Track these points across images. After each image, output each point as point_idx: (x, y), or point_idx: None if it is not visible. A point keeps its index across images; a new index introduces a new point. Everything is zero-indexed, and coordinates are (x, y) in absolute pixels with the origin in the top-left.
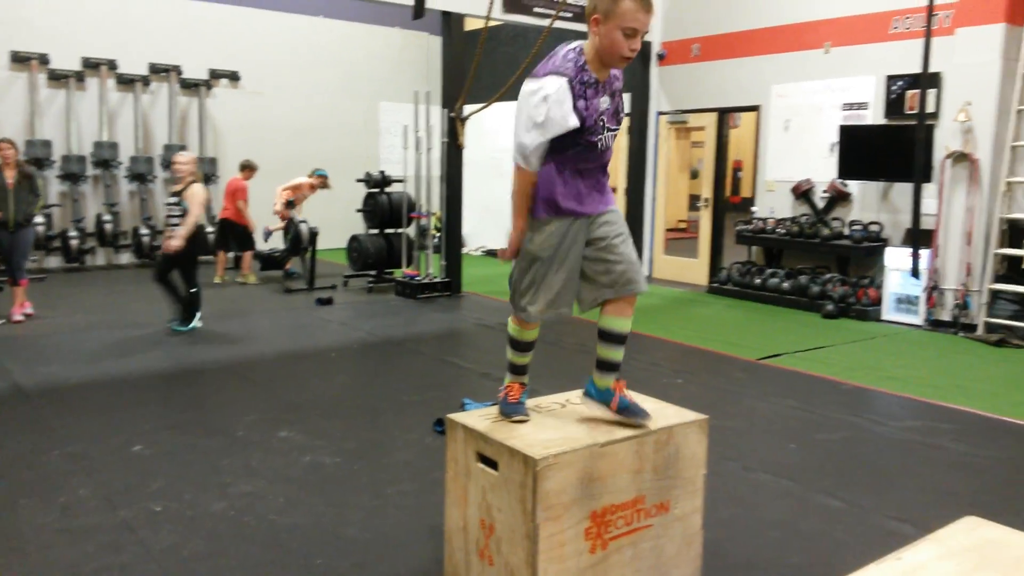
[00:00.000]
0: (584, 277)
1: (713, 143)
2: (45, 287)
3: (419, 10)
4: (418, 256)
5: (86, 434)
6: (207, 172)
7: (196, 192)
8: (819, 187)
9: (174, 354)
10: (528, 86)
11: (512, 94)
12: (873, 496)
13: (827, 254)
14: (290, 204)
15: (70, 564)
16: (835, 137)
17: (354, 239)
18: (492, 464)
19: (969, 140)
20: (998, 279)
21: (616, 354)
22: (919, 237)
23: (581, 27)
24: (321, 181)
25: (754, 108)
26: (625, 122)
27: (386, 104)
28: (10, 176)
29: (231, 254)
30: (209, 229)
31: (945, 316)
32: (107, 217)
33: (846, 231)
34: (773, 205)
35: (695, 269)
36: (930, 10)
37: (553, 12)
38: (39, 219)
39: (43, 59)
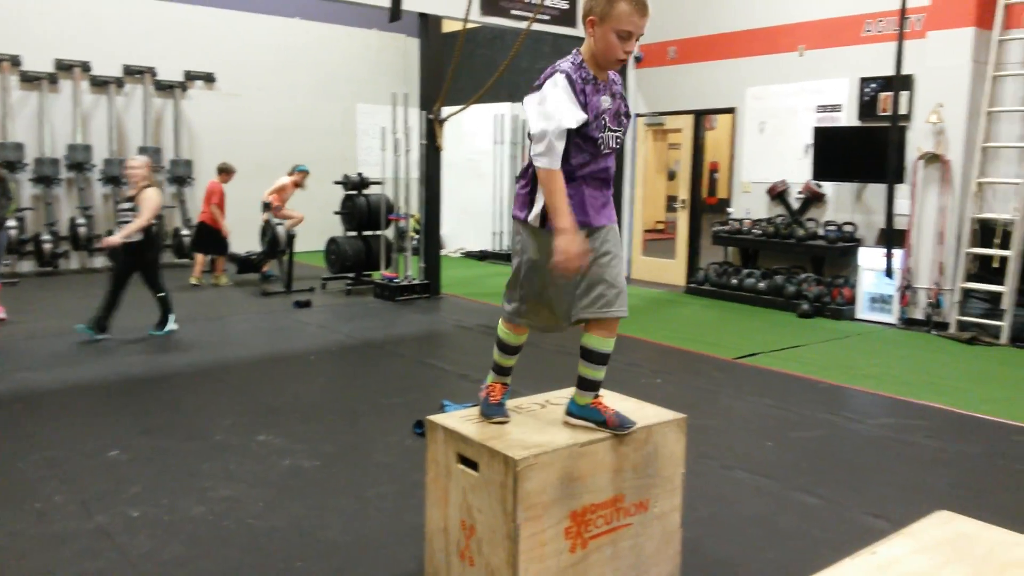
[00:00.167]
0: (567, 289)
1: (690, 145)
2: (18, 291)
3: (396, 12)
4: (397, 258)
5: (62, 440)
6: (182, 175)
7: (150, 196)
8: (794, 188)
9: (150, 359)
10: (530, 98)
11: (490, 96)
12: (849, 492)
13: (802, 254)
14: (266, 207)
15: (46, 570)
16: (809, 139)
17: (332, 241)
18: (472, 465)
19: (941, 141)
20: (970, 278)
21: (597, 373)
22: (892, 237)
23: (559, 29)
24: (303, 176)
25: (730, 110)
26: None
27: (363, 106)
28: None
29: (209, 257)
30: (185, 232)
31: (918, 315)
32: (81, 220)
33: (821, 231)
34: (749, 206)
35: (673, 270)
36: (903, 13)
37: (531, 15)
38: (11, 223)
39: (15, 60)
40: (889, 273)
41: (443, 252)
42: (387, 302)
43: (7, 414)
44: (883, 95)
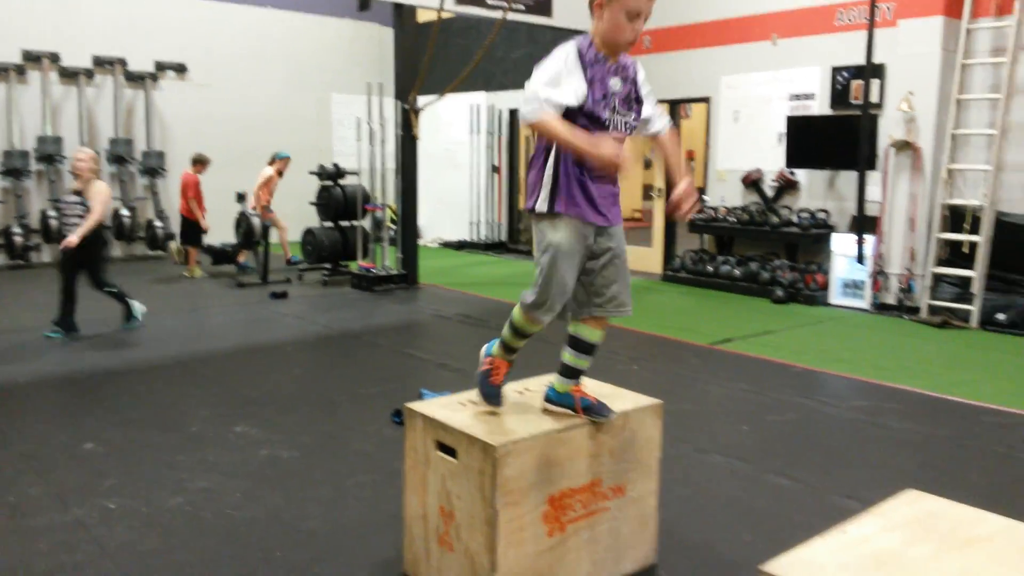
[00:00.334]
0: (578, 285)
1: None
2: None
3: (364, 1)
4: (374, 248)
5: (36, 434)
6: (154, 166)
7: (99, 190)
8: (768, 176)
9: (125, 352)
10: (536, 69)
11: (466, 86)
12: (822, 474)
13: (776, 241)
14: (240, 197)
15: (22, 564)
16: (783, 127)
17: (308, 232)
18: (451, 452)
19: (912, 129)
20: (940, 263)
21: (585, 363)
22: (863, 224)
23: (534, 19)
24: (285, 163)
25: (704, 99)
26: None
27: (338, 96)
28: None
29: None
30: (158, 223)
31: (890, 300)
32: (51, 213)
33: (794, 218)
34: (724, 194)
35: (650, 257)
36: (873, 2)
37: (506, 4)
38: None
39: None
40: (860, 259)
41: (421, 242)
42: (364, 292)
43: None
44: (855, 83)
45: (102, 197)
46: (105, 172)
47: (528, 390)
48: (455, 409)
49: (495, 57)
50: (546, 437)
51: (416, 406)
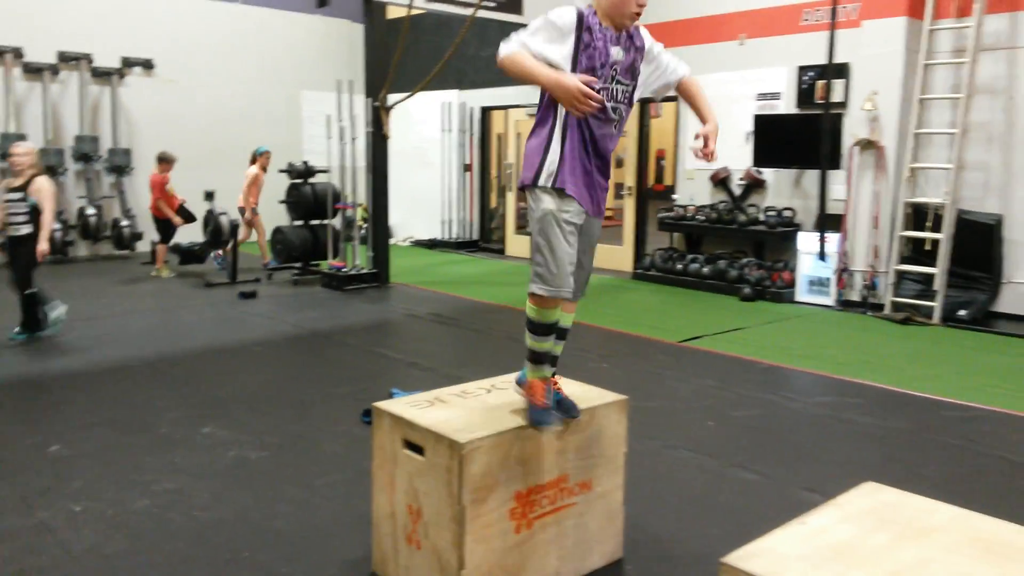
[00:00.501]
0: None
1: (635, 133)
2: None
3: None
4: (344, 247)
5: (1, 436)
6: (120, 164)
7: (44, 186)
8: (736, 175)
9: (91, 353)
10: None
11: (438, 83)
12: (786, 468)
13: (744, 239)
14: (208, 195)
15: None
16: (750, 126)
17: (278, 231)
18: (418, 450)
19: (875, 128)
20: (903, 260)
21: (558, 348)
22: (826, 221)
23: (505, 16)
24: (267, 159)
25: (673, 99)
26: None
27: (309, 93)
28: None
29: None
30: (125, 223)
31: (855, 296)
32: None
33: (761, 217)
34: (693, 193)
35: (620, 256)
36: (835, 3)
37: (476, 1)
38: None
39: None
40: (823, 256)
41: (393, 241)
42: (335, 292)
43: None
44: (820, 83)
45: (48, 193)
46: (70, 170)
47: (495, 387)
48: (422, 407)
49: (467, 55)
50: (512, 434)
51: (383, 405)
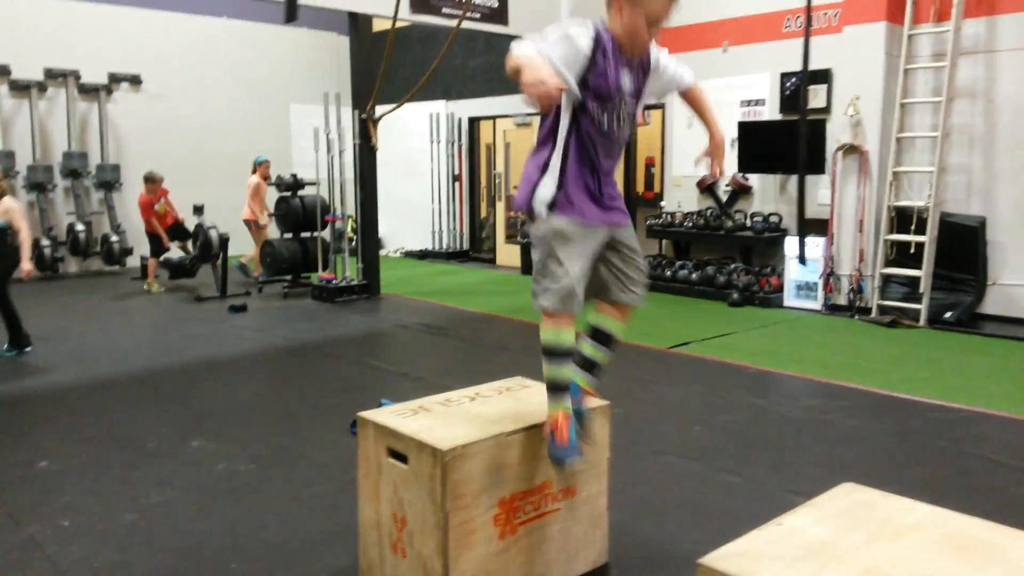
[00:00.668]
0: (598, 278)
1: None
2: None
3: (291, 13)
4: (334, 259)
5: None
6: (109, 179)
7: (12, 207)
8: (722, 181)
9: (79, 368)
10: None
11: (426, 94)
12: (770, 472)
13: (732, 245)
14: (198, 210)
15: None
16: (735, 133)
17: (267, 244)
18: (402, 458)
19: (858, 133)
20: (888, 264)
21: (602, 355)
22: (804, 226)
23: (490, 28)
24: (267, 167)
25: (659, 106)
26: (535, 122)
27: (297, 106)
28: None
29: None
30: (114, 238)
31: (841, 300)
32: None
33: (748, 223)
34: (680, 199)
35: None
36: (808, 11)
37: (461, 13)
38: None
39: None
40: (803, 260)
41: (383, 252)
42: (325, 304)
43: None
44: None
45: (19, 213)
46: (59, 186)
47: (479, 395)
48: (406, 416)
49: (454, 66)
50: (495, 441)
51: (368, 414)
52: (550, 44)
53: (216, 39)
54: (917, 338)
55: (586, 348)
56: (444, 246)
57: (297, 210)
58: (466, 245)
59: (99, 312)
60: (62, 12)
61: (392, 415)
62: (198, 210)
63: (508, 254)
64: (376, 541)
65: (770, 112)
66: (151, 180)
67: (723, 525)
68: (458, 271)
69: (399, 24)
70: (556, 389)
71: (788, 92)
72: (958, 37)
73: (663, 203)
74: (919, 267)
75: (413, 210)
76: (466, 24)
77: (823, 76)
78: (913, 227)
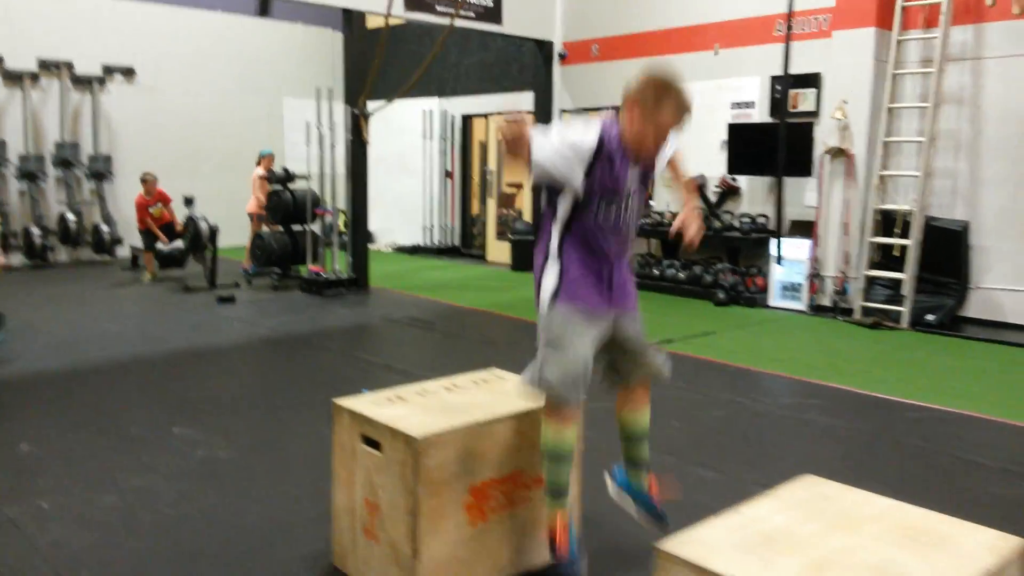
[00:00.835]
0: (611, 368)
1: None
2: None
3: (264, 6)
4: (324, 253)
5: None
6: (101, 170)
7: None
8: (711, 182)
9: (65, 355)
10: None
11: (417, 91)
12: (745, 467)
13: (719, 245)
14: (188, 201)
15: None
16: (725, 135)
17: (257, 236)
18: (376, 445)
19: (846, 136)
20: (873, 266)
21: (643, 450)
22: (781, 226)
23: (483, 26)
24: (271, 160)
25: None
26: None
27: (290, 100)
28: None
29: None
30: (105, 228)
31: (826, 301)
32: None
33: (736, 223)
34: (670, 200)
35: None
36: (789, 16)
37: (454, 11)
38: None
39: None
40: (779, 260)
41: (375, 247)
42: (314, 296)
43: None
44: (793, 92)
45: None
46: (51, 176)
47: (456, 386)
48: (381, 404)
49: (448, 63)
50: (467, 430)
51: (342, 402)
52: (553, 145)
53: (210, 32)
54: (898, 340)
55: (630, 451)
56: (435, 242)
57: (288, 203)
58: (457, 241)
59: (88, 300)
60: (56, 3)
61: (367, 403)
62: (188, 202)
63: (498, 251)
64: (349, 526)
65: (760, 115)
66: (144, 180)
67: (696, 517)
68: (448, 267)
69: (394, 21)
70: (556, 493)
71: (778, 95)
72: (946, 44)
73: (652, 202)
74: (903, 270)
75: (405, 206)
76: (460, 22)
77: (812, 80)
78: (898, 230)
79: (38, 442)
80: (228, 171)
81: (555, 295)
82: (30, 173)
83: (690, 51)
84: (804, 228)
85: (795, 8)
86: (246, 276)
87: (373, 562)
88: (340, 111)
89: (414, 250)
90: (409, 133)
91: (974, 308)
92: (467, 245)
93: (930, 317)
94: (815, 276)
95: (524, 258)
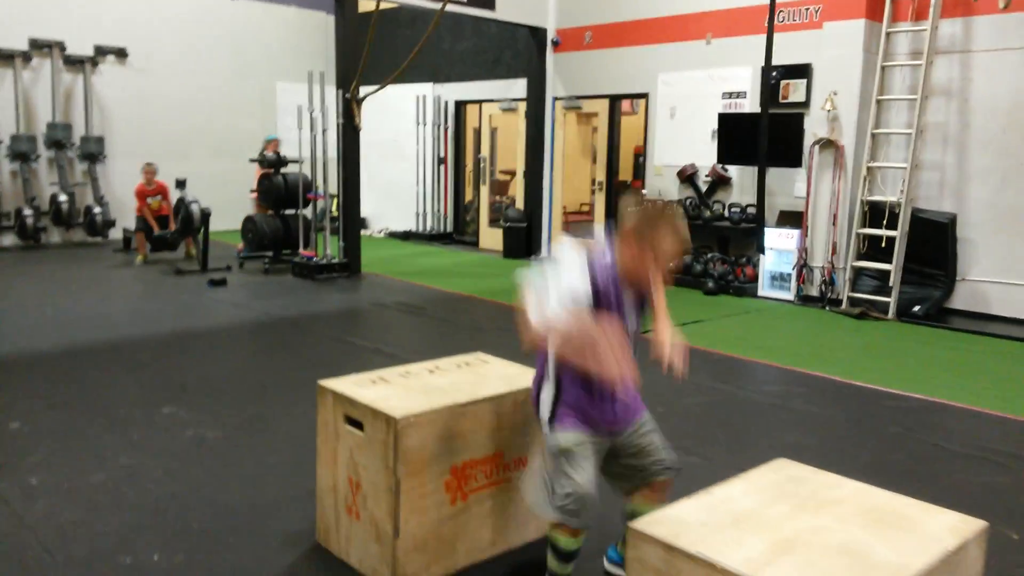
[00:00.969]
0: (622, 474)
1: (605, 128)
2: None
3: None
4: (315, 237)
5: None
6: (93, 151)
7: None
8: (702, 171)
9: (55, 335)
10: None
11: (410, 76)
12: (726, 452)
13: (710, 235)
14: (180, 184)
15: None
16: (716, 125)
17: (249, 220)
18: (358, 425)
19: (835, 128)
20: (860, 257)
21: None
22: (763, 216)
23: (475, 11)
24: (276, 144)
25: (643, 95)
26: (521, 107)
27: (283, 84)
28: None
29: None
30: (97, 210)
31: (814, 292)
32: None
33: (726, 213)
34: (661, 188)
35: None
36: (772, 6)
37: None
38: None
39: None
40: (761, 248)
41: (368, 233)
42: (305, 281)
43: None
44: (784, 83)
45: None
46: (43, 157)
47: (439, 368)
48: (364, 385)
49: (441, 49)
50: (448, 411)
51: (326, 382)
52: (554, 298)
53: (204, 15)
54: (884, 330)
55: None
56: (428, 228)
57: (279, 187)
58: (450, 228)
59: (79, 282)
60: None
61: (351, 384)
62: (180, 184)
63: (491, 237)
64: (332, 504)
65: (751, 105)
66: (144, 170)
67: (671, 499)
68: (440, 253)
69: (387, 6)
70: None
71: (769, 86)
72: (935, 36)
73: (644, 191)
74: (890, 261)
75: (398, 191)
76: (453, 8)
77: (802, 71)
78: (885, 222)
79: (28, 420)
80: (220, 154)
81: (554, 417)
82: (22, 154)
83: (683, 40)
84: (794, 218)
85: None
86: (239, 259)
87: (355, 539)
88: (332, 95)
89: (407, 236)
90: (403, 118)
91: (960, 300)
92: (460, 231)
93: (916, 308)
94: (803, 266)
95: (516, 245)
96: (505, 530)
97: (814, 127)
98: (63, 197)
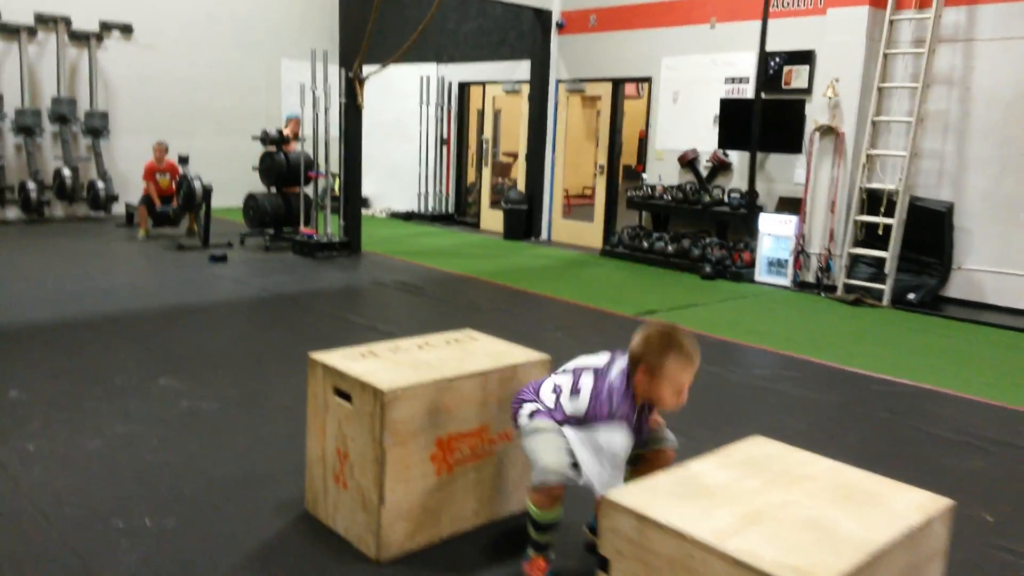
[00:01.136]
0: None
1: (608, 112)
2: None
3: None
4: (316, 215)
5: None
6: (97, 127)
7: None
8: (703, 156)
9: (56, 307)
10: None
11: (414, 57)
12: (715, 434)
13: (709, 220)
14: (183, 160)
15: None
16: (718, 110)
17: (251, 197)
18: (347, 397)
19: (836, 115)
20: (857, 244)
21: None
22: (754, 201)
23: None
24: (296, 124)
25: (646, 79)
26: (525, 89)
27: (288, 62)
28: None
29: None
30: (100, 184)
31: (810, 278)
32: None
33: (726, 198)
34: (662, 172)
35: (591, 233)
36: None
37: None
38: None
39: None
40: (750, 234)
41: (369, 212)
42: (306, 258)
43: None
44: (786, 69)
45: None
46: (47, 131)
47: (428, 344)
48: (353, 359)
49: (446, 29)
50: (435, 385)
51: (317, 355)
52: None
53: None
54: (878, 317)
55: None
56: (430, 208)
57: (281, 165)
58: (451, 209)
59: (81, 255)
60: None
61: (341, 357)
62: (183, 160)
63: (492, 219)
64: (321, 474)
65: (753, 90)
66: (155, 148)
67: None
68: (442, 233)
69: None
70: (538, 548)
71: (772, 71)
72: (938, 24)
73: (644, 175)
74: (886, 248)
75: (401, 171)
76: None
77: (805, 57)
78: (883, 209)
79: (27, 389)
80: (225, 131)
81: (534, 416)
82: (27, 127)
83: (687, 24)
84: (793, 205)
85: None
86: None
87: (342, 507)
88: (335, 74)
89: (408, 216)
90: (406, 98)
91: (955, 288)
92: (461, 212)
93: (911, 296)
94: (800, 252)
95: (517, 227)
96: (488, 502)
97: (815, 114)
98: (67, 171)
